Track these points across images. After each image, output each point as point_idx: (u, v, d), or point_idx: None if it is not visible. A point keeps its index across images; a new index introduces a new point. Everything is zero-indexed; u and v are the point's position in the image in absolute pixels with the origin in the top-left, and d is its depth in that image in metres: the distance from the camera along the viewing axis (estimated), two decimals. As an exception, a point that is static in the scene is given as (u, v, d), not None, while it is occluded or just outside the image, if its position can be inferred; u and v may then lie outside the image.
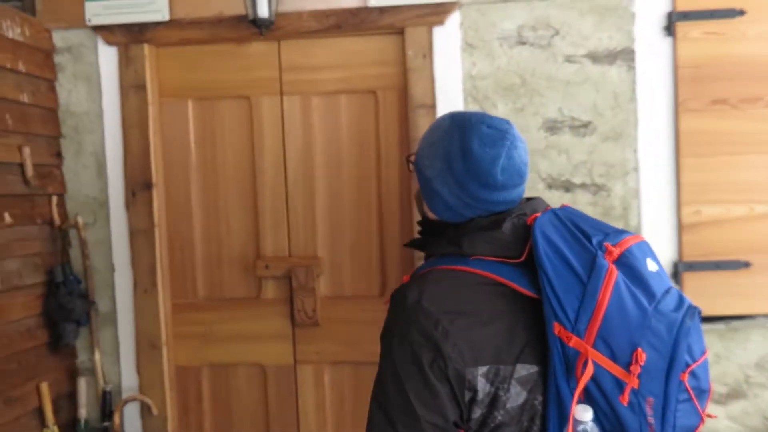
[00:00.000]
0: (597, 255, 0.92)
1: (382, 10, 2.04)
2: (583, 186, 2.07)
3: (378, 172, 2.17)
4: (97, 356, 2.22)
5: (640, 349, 0.88)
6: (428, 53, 2.06)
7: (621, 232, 0.99)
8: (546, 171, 2.07)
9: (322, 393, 2.23)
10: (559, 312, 0.93)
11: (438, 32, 2.06)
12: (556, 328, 0.93)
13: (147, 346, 2.21)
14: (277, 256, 2.22)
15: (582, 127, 2.06)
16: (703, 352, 0.92)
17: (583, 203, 2.06)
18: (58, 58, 2.21)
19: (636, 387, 0.89)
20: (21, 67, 2.04)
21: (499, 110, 2.07)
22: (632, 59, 2.02)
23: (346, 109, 2.18)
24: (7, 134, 1.98)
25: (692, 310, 0.92)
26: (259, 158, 2.21)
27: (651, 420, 0.89)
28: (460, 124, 1.06)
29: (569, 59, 2.05)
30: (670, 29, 1.99)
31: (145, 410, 2.22)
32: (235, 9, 2.08)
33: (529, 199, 1.12)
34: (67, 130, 2.23)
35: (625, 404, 0.89)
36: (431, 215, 1.13)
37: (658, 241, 2.05)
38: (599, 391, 0.91)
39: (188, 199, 2.26)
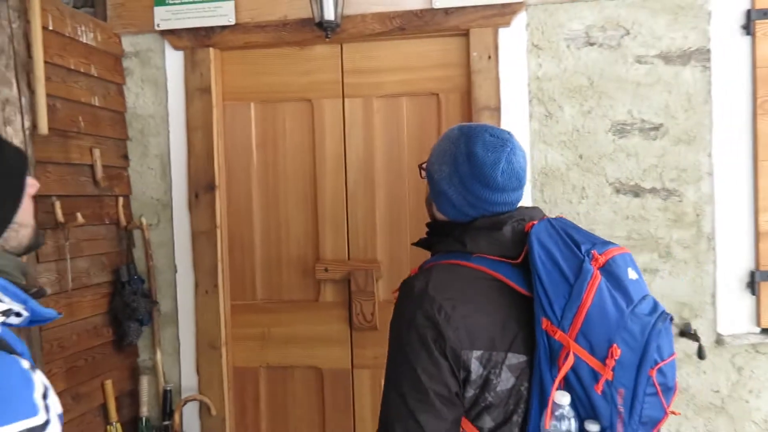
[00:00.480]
0: (584, 261, 1.04)
1: (447, 11, 2.03)
2: (653, 191, 2.00)
3: (440, 175, 2.15)
4: (159, 355, 2.25)
5: (615, 345, 1.00)
6: (493, 55, 2.03)
7: (607, 243, 1.09)
8: (614, 175, 2.01)
9: (379, 398, 2.20)
10: (548, 308, 1.04)
11: (503, 33, 2.03)
12: (544, 323, 1.04)
13: (207, 346, 2.23)
14: (336, 260, 2.21)
15: (653, 130, 1.99)
16: (671, 354, 1.03)
17: (652, 208, 1.99)
18: (126, 63, 2.27)
19: (610, 379, 1.00)
20: (93, 71, 2.09)
21: (566, 112, 2.02)
22: (707, 59, 1.95)
23: (407, 111, 2.17)
24: (80, 136, 2.03)
25: (664, 315, 1.03)
26: (319, 161, 2.21)
27: (621, 409, 1.01)
28: (467, 133, 1.19)
29: (640, 60, 1.99)
30: (748, 28, 1.91)
31: (204, 410, 2.23)
32: (299, 12, 2.10)
33: (528, 208, 1.21)
34: (133, 132, 2.28)
35: (599, 393, 1.01)
36: (440, 216, 1.26)
37: (734, 249, 1.96)
38: (577, 380, 1.02)
39: (249, 201, 2.28)
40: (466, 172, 1.15)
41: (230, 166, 2.28)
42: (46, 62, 1.77)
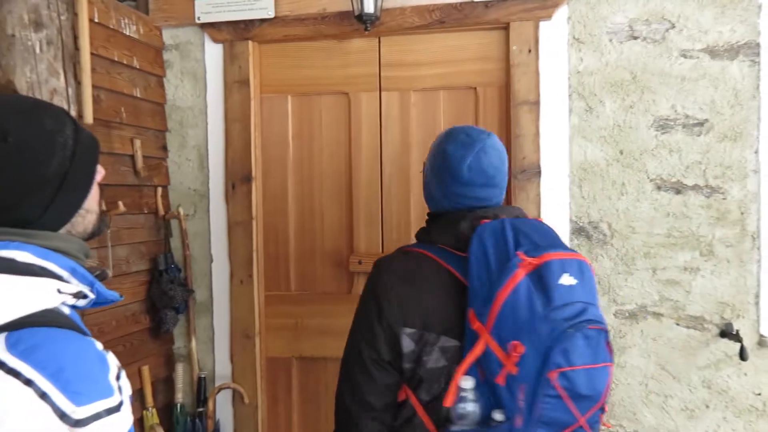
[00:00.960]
0: (511, 261, 1.10)
1: (488, 4, 2.01)
2: (695, 188, 1.95)
3: (476, 170, 2.13)
4: (194, 343, 2.28)
5: (518, 342, 1.06)
6: (533, 48, 2.01)
7: (553, 248, 1.12)
8: (655, 171, 1.97)
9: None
10: (473, 300, 1.14)
11: (544, 27, 2.01)
12: (470, 313, 1.13)
13: (241, 335, 2.26)
14: (370, 252, 2.21)
15: (697, 126, 1.95)
16: (588, 363, 1.05)
17: (695, 206, 1.95)
18: (167, 55, 2.30)
19: (513, 373, 1.07)
20: (135, 63, 2.13)
21: (607, 107, 1.99)
22: (757, 54, 1.89)
23: (444, 105, 2.16)
24: (122, 126, 2.07)
25: (585, 324, 1.05)
26: (355, 154, 2.22)
27: (521, 403, 1.07)
28: (448, 132, 1.30)
29: (685, 54, 1.94)
30: (800, 21, 1.86)
31: (237, 398, 2.26)
32: (338, 5, 2.11)
33: (507, 207, 1.27)
34: (172, 124, 2.32)
35: (502, 384, 1.09)
36: (429, 208, 1.37)
37: (780, 249, 1.91)
38: (488, 369, 1.11)
39: (285, 193, 2.29)
40: (439, 166, 1.27)
41: (267, 158, 2.30)
42: (91, 54, 1.81)
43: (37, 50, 1.65)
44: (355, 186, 2.22)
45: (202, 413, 2.23)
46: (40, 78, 1.64)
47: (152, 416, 2.13)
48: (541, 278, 1.08)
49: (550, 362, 1.04)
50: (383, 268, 1.25)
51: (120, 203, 1.95)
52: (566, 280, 1.09)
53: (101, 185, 1.84)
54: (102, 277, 0.91)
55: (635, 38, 1.97)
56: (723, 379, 1.95)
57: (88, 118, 1.78)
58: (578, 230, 2.03)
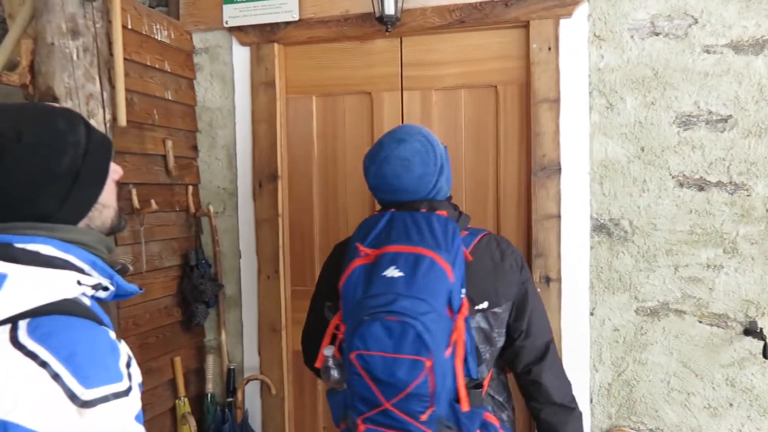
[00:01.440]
0: (355, 252, 1.25)
1: (507, 3, 2.02)
2: (719, 185, 1.94)
3: (496, 166, 2.16)
4: (223, 336, 2.37)
5: (341, 321, 1.23)
6: (554, 46, 2.02)
7: (403, 242, 1.21)
8: (677, 168, 1.96)
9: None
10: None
11: (564, 24, 2.01)
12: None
13: (268, 329, 2.34)
14: (392, 249, 2.25)
15: (721, 122, 1.93)
16: (388, 352, 1.13)
17: (718, 203, 1.93)
18: (196, 59, 2.39)
19: (343, 346, 1.21)
20: (167, 66, 2.22)
21: (628, 104, 1.99)
22: (782, 48, 1.86)
23: (465, 104, 2.19)
24: (154, 128, 2.16)
25: (383, 314, 1.14)
26: (378, 152, 2.26)
27: (347, 376, 1.21)
28: (376, 142, 1.38)
29: (708, 50, 1.92)
30: (828, 14, 1.82)
31: (264, 389, 2.34)
32: (360, 7, 2.15)
33: (422, 201, 1.33)
34: (202, 125, 2.40)
35: (338, 355, 1.24)
36: None
37: (807, 247, 1.88)
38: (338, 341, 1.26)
39: (309, 191, 2.36)
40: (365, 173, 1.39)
41: (292, 156, 2.37)
42: (125, 59, 1.90)
43: (75, 57, 1.74)
44: (378, 184, 2.27)
45: (231, 403, 2.31)
46: (77, 83, 1.74)
47: (184, 405, 2.23)
48: (373, 268, 1.19)
49: (352, 344, 1.16)
50: (332, 253, 1.49)
51: (152, 201, 2.04)
52: (390, 272, 1.17)
53: (126, 183, 1.93)
54: (123, 271, 0.98)
55: (657, 34, 1.96)
56: (747, 378, 1.93)
57: (122, 120, 1.87)
58: (599, 227, 2.03)
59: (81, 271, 0.87)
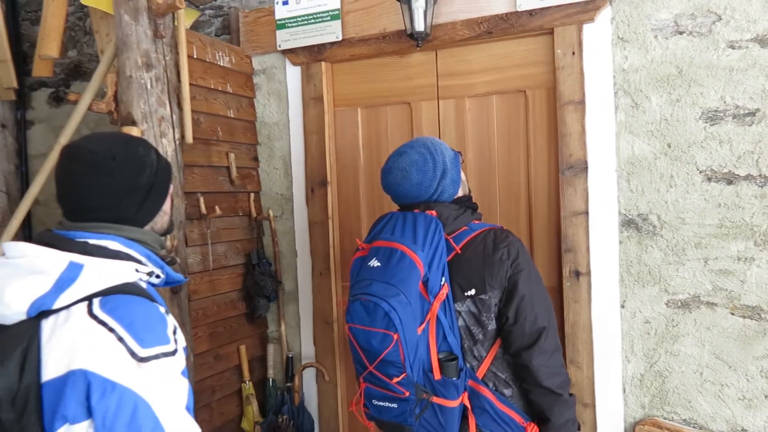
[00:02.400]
0: (356, 246, 1.57)
1: (532, 12, 2.14)
2: (748, 178, 1.95)
3: (527, 166, 2.27)
4: (283, 327, 2.63)
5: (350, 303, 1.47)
6: (577, 51, 2.11)
7: (389, 238, 1.45)
8: (705, 163, 2.00)
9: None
10: None
11: (588, 29, 2.10)
12: None
13: (321, 321, 2.57)
14: (432, 247, 2.42)
15: (748, 116, 1.95)
16: (366, 325, 1.38)
17: (748, 196, 1.95)
18: (255, 79, 2.68)
19: None
20: (229, 88, 2.52)
21: (653, 102, 2.05)
22: (808, 40, 1.86)
23: (497, 109, 2.32)
24: (219, 143, 2.46)
25: (359, 294, 1.41)
26: (417, 157, 2.44)
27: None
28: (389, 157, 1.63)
29: (733, 45, 1.95)
30: None
31: (320, 376, 2.58)
32: (397, 25, 2.34)
33: (426, 203, 1.54)
34: (262, 138, 2.69)
35: None
36: None
37: (843, 238, 1.86)
38: None
39: (357, 195, 2.57)
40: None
41: (340, 164, 2.59)
42: (191, 84, 2.20)
43: (148, 86, 2.05)
44: (418, 186, 2.44)
45: (290, 387, 2.57)
46: (151, 108, 2.05)
47: (249, 388, 2.50)
48: (363, 260, 1.48)
49: (346, 317, 1.44)
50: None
51: (217, 207, 2.33)
52: (373, 262, 1.44)
53: (194, 192, 2.23)
54: (172, 262, 1.23)
55: (681, 33, 2.01)
56: (783, 370, 1.93)
57: (189, 138, 2.16)
58: (627, 222, 2.10)
59: (139, 261, 1.13)
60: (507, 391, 1.50)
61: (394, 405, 1.42)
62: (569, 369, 2.16)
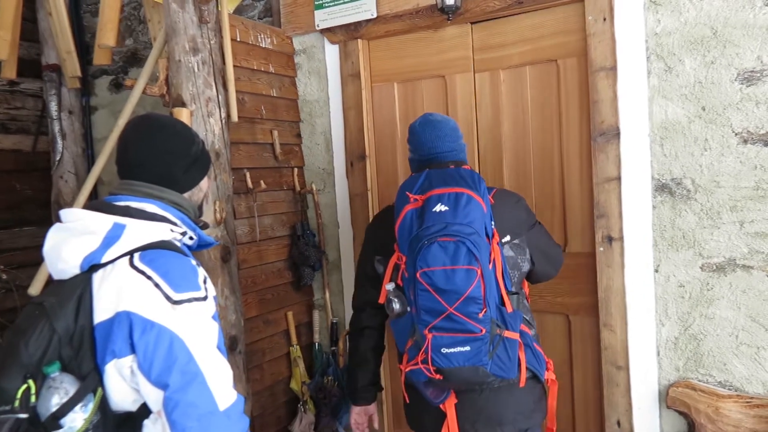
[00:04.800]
0: (404, 201, 1.57)
1: (561, -19, 2.16)
2: (787, 139, 1.92)
3: (560, 134, 2.30)
4: (327, 295, 2.78)
5: (403, 255, 1.53)
6: (608, 16, 2.11)
7: (442, 185, 1.53)
8: (741, 125, 1.98)
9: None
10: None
11: (619, -6, 2.10)
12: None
13: (364, 289, 2.69)
14: (468, 216, 2.49)
15: (786, 75, 1.91)
16: (440, 265, 1.44)
17: (787, 157, 1.92)
18: (296, 59, 2.80)
19: (406, 276, 1.52)
20: (271, 68, 2.65)
21: (687, 65, 2.03)
22: None
23: (530, 80, 2.35)
24: (263, 121, 2.60)
25: (437, 236, 1.45)
26: (451, 129, 2.50)
27: (411, 297, 1.51)
28: (417, 121, 1.77)
29: (770, 3, 1.91)
30: None
31: (362, 341, 2.71)
32: (429, 0, 2.40)
33: (449, 159, 1.68)
34: (304, 115, 2.81)
35: (401, 284, 1.56)
36: None
37: None
38: (397, 275, 1.59)
39: (395, 168, 2.67)
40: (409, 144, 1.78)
41: (378, 138, 2.69)
42: (235, 66, 2.33)
43: (196, 69, 2.20)
44: (453, 158, 2.51)
45: (334, 351, 2.72)
46: (198, 90, 2.20)
47: (296, 351, 2.67)
48: (423, 209, 1.52)
49: (417, 265, 1.46)
50: (376, 215, 1.89)
51: (262, 182, 2.48)
52: (438, 207, 1.49)
53: (240, 168, 2.39)
54: (204, 227, 1.40)
55: (715, -7, 1.98)
56: (822, 332, 1.92)
57: (234, 117, 2.30)
58: (661, 187, 2.11)
59: (174, 223, 1.28)
60: (532, 331, 1.64)
61: (467, 348, 1.44)
62: (603, 332, 2.21)
